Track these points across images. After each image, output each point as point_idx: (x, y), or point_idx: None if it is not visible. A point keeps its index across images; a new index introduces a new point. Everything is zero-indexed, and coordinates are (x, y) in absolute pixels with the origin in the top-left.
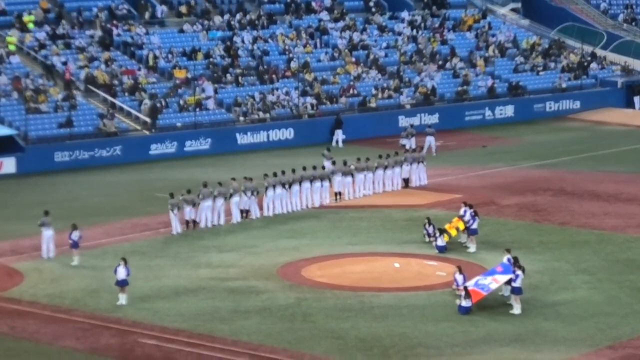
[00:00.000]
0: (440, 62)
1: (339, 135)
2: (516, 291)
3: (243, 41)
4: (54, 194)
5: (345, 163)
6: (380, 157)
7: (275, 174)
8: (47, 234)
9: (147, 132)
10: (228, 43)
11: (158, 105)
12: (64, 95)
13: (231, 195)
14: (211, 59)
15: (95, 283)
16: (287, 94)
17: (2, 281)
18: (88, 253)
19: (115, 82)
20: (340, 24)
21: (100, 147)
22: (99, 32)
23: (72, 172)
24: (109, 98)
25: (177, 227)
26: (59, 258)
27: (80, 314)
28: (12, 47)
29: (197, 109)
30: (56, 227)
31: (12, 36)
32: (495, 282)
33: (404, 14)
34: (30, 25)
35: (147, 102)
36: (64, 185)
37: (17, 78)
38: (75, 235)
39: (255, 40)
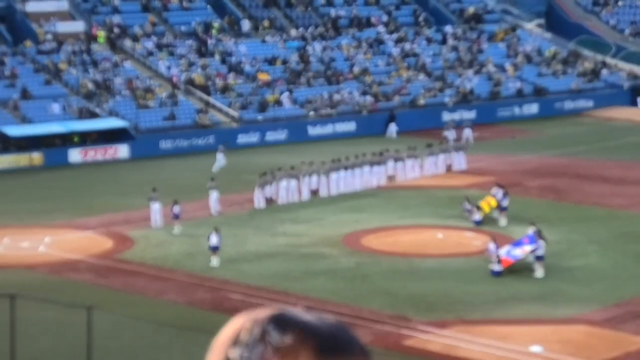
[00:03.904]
0: (477, 68)
1: (393, 127)
2: (539, 258)
3: (314, 50)
4: (159, 174)
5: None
6: (428, 145)
7: (339, 160)
8: (155, 207)
9: (235, 125)
10: (302, 51)
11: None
12: (168, 94)
13: (302, 177)
14: (288, 65)
15: (192, 248)
16: (350, 93)
17: (117, 246)
18: (186, 223)
19: (210, 83)
20: (395, 35)
21: (197, 136)
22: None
23: (174, 157)
24: (204, 96)
25: (260, 202)
26: (164, 227)
27: (180, 273)
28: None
29: (276, 105)
30: (161, 202)
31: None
32: (523, 252)
33: (448, 28)
34: (215, 32)
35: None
36: (167, 167)
37: (130, 80)
38: (177, 208)
39: (324, 49)
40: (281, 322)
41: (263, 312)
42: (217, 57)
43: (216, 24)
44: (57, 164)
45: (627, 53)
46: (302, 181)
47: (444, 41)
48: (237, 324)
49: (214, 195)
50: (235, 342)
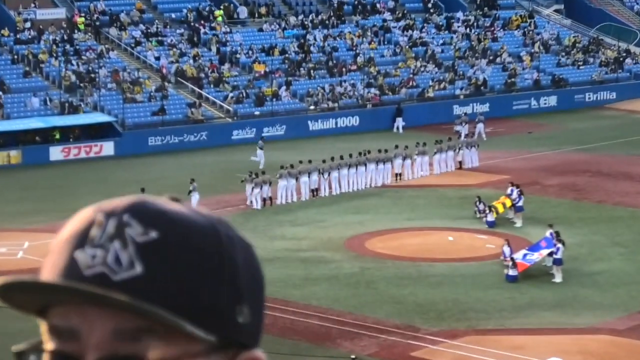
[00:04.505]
0: (490, 57)
1: (400, 122)
2: (557, 262)
3: (315, 39)
4: (147, 173)
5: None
6: (436, 142)
7: (341, 157)
8: None
9: (229, 120)
10: (302, 40)
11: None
12: (157, 87)
13: (302, 176)
14: (286, 55)
15: None
16: (353, 85)
17: None
18: None
19: (202, 75)
20: (402, 23)
21: (189, 132)
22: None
23: (163, 154)
24: (197, 89)
25: (256, 203)
26: None
27: None
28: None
29: (274, 99)
30: None
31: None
32: (539, 255)
33: (459, 14)
34: (219, 19)
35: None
36: (156, 166)
37: (116, 71)
38: None
39: (325, 38)
40: (143, 212)
41: (118, 202)
42: (210, 46)
43: (219, 12)
44: (37, 163)
45: None
46: (301, 180)
47: (453, 29)
48: (84, 218)
49: (194, 198)
50: (84, 240)
